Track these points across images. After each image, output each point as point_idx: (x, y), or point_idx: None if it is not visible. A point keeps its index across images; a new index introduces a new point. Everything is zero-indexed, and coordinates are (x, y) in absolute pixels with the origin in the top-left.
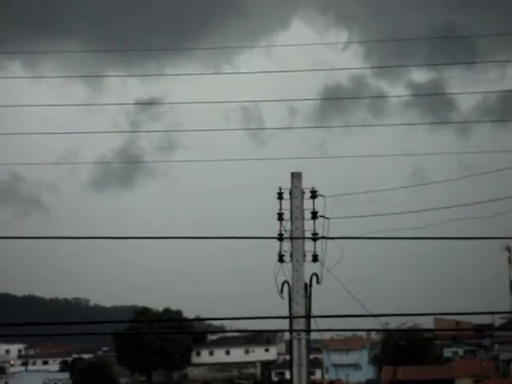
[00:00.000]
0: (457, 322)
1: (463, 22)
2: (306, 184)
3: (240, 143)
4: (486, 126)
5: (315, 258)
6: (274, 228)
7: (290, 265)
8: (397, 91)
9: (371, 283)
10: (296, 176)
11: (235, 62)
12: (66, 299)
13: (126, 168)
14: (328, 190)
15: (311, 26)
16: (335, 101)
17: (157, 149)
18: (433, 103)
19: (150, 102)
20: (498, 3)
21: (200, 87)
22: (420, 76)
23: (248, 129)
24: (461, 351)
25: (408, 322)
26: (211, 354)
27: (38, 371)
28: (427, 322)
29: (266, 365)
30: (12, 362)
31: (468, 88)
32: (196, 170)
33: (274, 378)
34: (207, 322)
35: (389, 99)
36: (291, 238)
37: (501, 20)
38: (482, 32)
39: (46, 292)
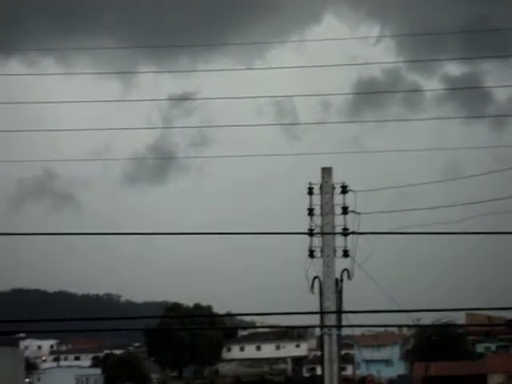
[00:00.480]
0: (489, 317)
1: (497, 15)
2: (338, 179)
3: (273, 138)
4: None
5: (346, 254)
6: (305, 223)
7: (320, 260)
8: (431, 85)
9: (403, 279)
10: (326, 171)
11: (267, 57)
12: (97, 295)
13: (159, 163)
14: (361, 184)
15: (343, 20)
16: (369, 95)
17: (190, 144)
18: (468, 97)
19: (183, 98)
20: None
21: (233, 82)
22: (454, 69)
23: (280, 124)
24: (493, 346)
25: (440, 318)
26: (242, 349)
27: (69, 367)
28: (459, 318)
29: (297, 361)
30: (44, 358)
31: (503, 81)
32: (229, 165)
33: (305, 374)
34: (238, 317)
35: (423, 93)
36: (322, 234)
37: None
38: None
39: (78, 288)
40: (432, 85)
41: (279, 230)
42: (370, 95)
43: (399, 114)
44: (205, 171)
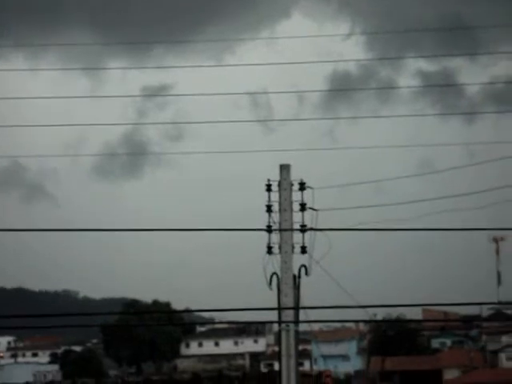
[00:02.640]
0: (445, 313)
1: (467, 13)
2: (307, 175)
3: (247, 131)
4: (492, 115)
5: (304, 250)
6: (264, 220)
7: (278, 257)
8: (405, 80)
9: (360, 275)
10: (285, 168)
11: (238, 52)
12: (55, 291)
13: (131, 158)
14: (330, 180)
15: (313, 15)
16: (344, 87)
17: (163, 138)
18: (441, 92)
19: (155, 94)
20: None
21: (206, 77)
22: (427, 66)
23: (252, 121)
24: (449, 342)
25: (397, 313)
26: (200, 345)
27: (27, 363)
28: (415, 313)
29: (255, 356)
30: (1, 355)
31: (474, 78)
32: (200, 160)
33: (263, 370)
34: (196, 313)
35: (397, 88)
36: (280, 230)
37: (505, 11)
38: (486, 23)
39: (35, 284)
40: (406, 80)
41: (240, 226)
42: (345, 87)
43: (373, 109)
44: (177, 166)
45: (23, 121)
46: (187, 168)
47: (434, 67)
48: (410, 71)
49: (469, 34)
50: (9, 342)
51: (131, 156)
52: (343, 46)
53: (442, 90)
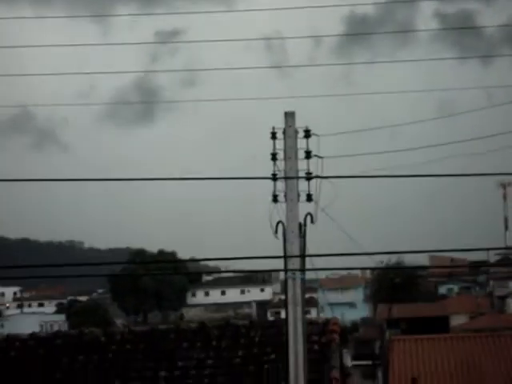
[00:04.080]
0: (452, 259)
1: None
2: (319, 121)
3: (262, 76)
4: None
5: (309, 198)
6: (270, 168)
7: (284, 205)
8: (421, 23)
9: (367, 222)
10: (289, 115)
11: None
12: (60, 242)
13: (143, 105)
14: (341, 127)
15: None
16: (359, 30)
17: (175, 84)
18: (457, 35)
19: (164, 41)
20: None
21: (217, 21)
22: (442, 8)
23: (266, 67)
24: (456, 288)
25: (403, 260)
26: (206, 294)
27: (33, 313)
28: (422, 260)
29: (262, 305)
30: (7, 305)
31: (491, 20)
32: (211, 106)
33: (270, 318)
34: (202, 262)
35: (414, 29)
36: (285, 178)
37: None
38: None
39: (40, 235)
40: (423, 23)
41: (248, 175)
42: (360, 31)
43: (390, 52)
44: (188, 113)
45: (32, 69)
46: (198, 115)
47: (451, 9)
48: (427, 13)
49: None
50: (15, 293)
51: (143, 103)
52: None
53: (459, 32)
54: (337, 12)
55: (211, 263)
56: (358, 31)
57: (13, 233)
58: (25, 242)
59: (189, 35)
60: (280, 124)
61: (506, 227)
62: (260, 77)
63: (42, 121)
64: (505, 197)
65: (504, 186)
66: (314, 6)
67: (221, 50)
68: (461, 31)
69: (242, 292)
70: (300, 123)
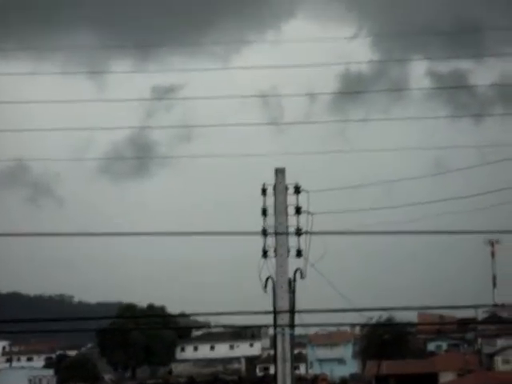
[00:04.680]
0: (440, 316)
1: (474, 15)
2: (310, 177)
3: (257, 132)
4: (501, 116)
5: (299, 253)
6: (260, 223)
7: (274, 260)
8: (414, 82)
9: (356, 278)
10: (280, 171)
11: (244, 53)
12: (50, 296)
13: (137, 160)
14: (334, 183)
15: (319, 16)
16: (354, 88)
17: (171, 140)
18: (450, 93)
19: (160, 97)
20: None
21: (213, 78)
22: (434, 67)
23: (260, 124)
24: (444, 345)
25: (392, 317)
26: (196, 349)
27: (22, 368)
28: (411, 317)
29: (251, 360)
30: None
31: (482, 79)
32: (206, 162)
33: (259, 374)
34: (192, 317)
35: (408, 87)
36: (275, 234)
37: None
38: (493, 25)
39: (30, 289)
40: (415, 81)
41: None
42: (356, 87)
43: (384, 110)
44: (183, 168)
45: (28, 125)
46: (192, 171)
47: (443, 68)
48: (419, 72)
49: (476, 36)
50: (4, 347)
51: (138, 158)
52: (350, 47)
53: (451, 91)
54: (332, 69)
55: (201, 318)
56: (353, 88)
57: (3, 286)
58: (15, 296)
59: (185, 91)
60: (272, 180)
61: (494, 284)
62: (256, 133)
63: (38, 175)
64: (493, 254)
65: (492, 243)
66: (310, 64)
67: (217, 106)
68: (454, 89)
69: (231, 347)
70: (294, 179)
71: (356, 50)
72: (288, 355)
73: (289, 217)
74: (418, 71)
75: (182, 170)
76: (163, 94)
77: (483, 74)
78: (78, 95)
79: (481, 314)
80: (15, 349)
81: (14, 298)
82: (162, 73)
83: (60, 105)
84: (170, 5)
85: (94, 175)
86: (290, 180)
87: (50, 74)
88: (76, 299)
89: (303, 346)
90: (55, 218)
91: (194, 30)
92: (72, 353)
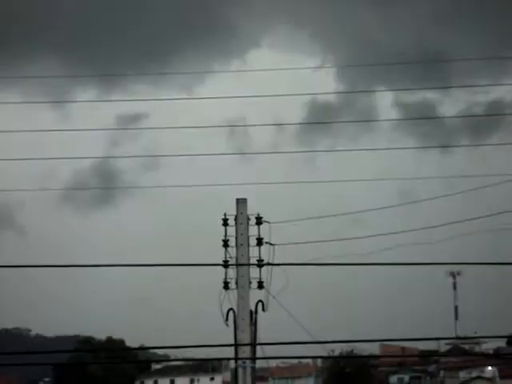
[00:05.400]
0: (403, 348)
1: (439, 47)
2: (271, 208)
3: (224, 160)
4: (467, 147)
5: (261, 285)
6: (221, 254)
7: (235, 292)
8: (380, 112)
9: (319, 310)
10: (241, 202)
11: (208, 82)
12: (5, 329)
13: (102, 190)
14: (295, 214)
15: (283, 46)
16: (320, 117)
17: (136, 168)
18: (416, 124)
19: (123, 127)
20: (477, 27)
21: (178, 107)
22: (400, 98)
23: (227, 153)
24: (407, 377)
25: (354, 349)
26: (156, 383)
27: None
28: (373, 349)
29: None
30: None
31: (448, 110)
32: (171, 192)
33: None
34: (151, 350)
35: (375, 117)
36: (236, 265)
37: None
38: (459, 56)
39: None
40: (382, 112)
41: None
42: (322, 117)
43: (351, 138)
44: (146, 197)
45: None
46: (156, 200)
47: (409, 99)
48: (386, 103)
49: (442, 66)
50: None
51: (100, 188)
52: (315, 77)
53: (418, 122)
54: (298, 99)
55: (160, 351)
56: (320, 118)
57: None
58: None
59: (150, 120)
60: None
61: (456, 317)
62: (222, 162)
63: None
64: (455, 286)
65: (454, 274)
66: (275, 94)
67: (182, 134)
68: (420, 120)
69: (192, 381)
70: (259, 210)
71: (321, 80)
72: None
73: (250, 248)
74: (385, 102)
75: (146, 200)
76: (128, 122)
77: (450, 104)
78: (42, 125)
79: (443, 346)
80: None
81: None
82: (127, 102)
83: (23, 134)
84: (134, 34)
85: (57, 205)
86: (254, 210)
87: (12, 103)
88: (33, 332)
89: (265, 379)
90: (16, 248)
91: (159, 59)
92: None
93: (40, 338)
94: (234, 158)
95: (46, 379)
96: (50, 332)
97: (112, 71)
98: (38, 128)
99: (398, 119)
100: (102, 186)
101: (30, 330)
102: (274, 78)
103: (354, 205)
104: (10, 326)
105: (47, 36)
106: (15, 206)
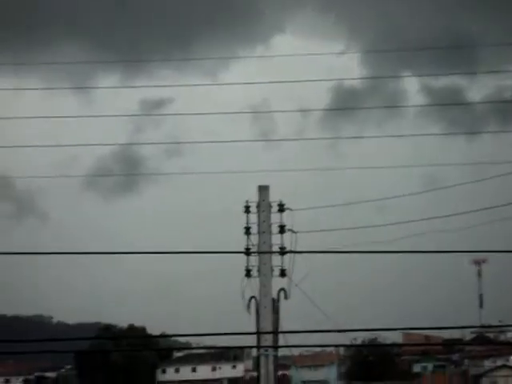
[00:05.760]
0: (426, 337)
1: (466, 31)
2: (296, 195)
3: (248, 147)
4: (495, 132)
5: (283, 273)
6: (243, 242)
7: (257, 280)
8: (407, 98)
9: (341, 298)
10: (263, 189)
11: (233, 67)
12: (27, 316)
13: (126, 176)
14: (325, 200)
15: (308, 31)
16: (346, 103)
17: (160, 154)
18: (443, 110)
19: (147, 113)
20: (506, 12)
21: (203, 91)
22: (427, 83)
23: (254, 140)
24: (430, 366)
25: (377, 337)
26: (177, 371)
27: None
28: (397, 337)
29: (233, 382)
30: None
31: (475, 96)
32: (194, 178)
33: None
34: (173, 338)
35: (402, 102)
36: (258, 253)
37: (506, 29)
38: (485, 41)
39: (8, 309)
40: (409, 97)
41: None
42: (347, 103)
43: (377, 124)
44: (169, 184)
45: (14, 141)
46: (180, 187)
47: (436, 84)
48: (412, 88)
49: (469, 51)
50: None
51: (126, 174)
52: (339, 62)
53: (445, 108)
54: (322, 84)
55: (182, 339)
56: (345, 104)
57: None
58: None
59: (174, 104)
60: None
61: (481, 305)
62: (245, 148)
63: (22, 191)
64: (479, 274)
65: (479, 263)
66: (300, 79)
67: (207, 120)
68: (447, 106)
69: (214, 369)
70: (282, 197)
71: (345, 65)
72: (272, 377)
73: (272, 235)
74: (411, 87)
75: (169, 186)
76: (152, 108)
77: (477, 89)
78: (65, 111)
79: (468, 335)
80: None
81: None
82: (151, 87)
83: (47, 120)
84: (158, 19)
85: (80, 191)
86: (277, 197)
87: (36, 89)
88: (55, 320)
89: (287, 367)
90: (39, 235)
91: (184, 45)
92: (51, 374)
93: (62, 326)
94: (257, 143)
95: (68, 366)
96: (71, 319)
97: (136, 57)
98: (61, 114)
99: (424, 105)
100: (125, 172)
101: (51, 318)
102: (298, 63)
103: (379, 192)
104: (32, 313)
105: (71, 22)
106: (38, 193)
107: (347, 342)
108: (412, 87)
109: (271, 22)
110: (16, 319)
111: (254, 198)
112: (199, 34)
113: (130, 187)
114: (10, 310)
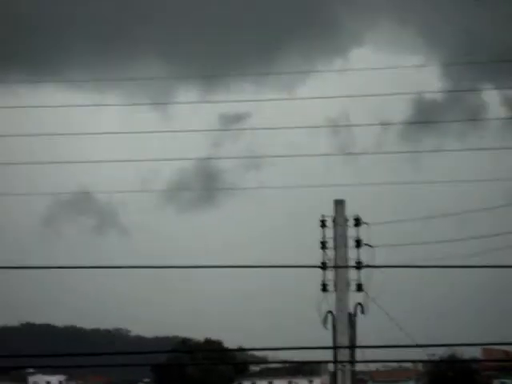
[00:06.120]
0: (506, 353)
1: None
2: (372, 209)
3: (328, 162)
4: None
5: (359, 288)
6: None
7: (333, 294)
8: (488, 111)
9: (419, 313)
10: (339, 203)
11: (310, 82)
12: (107, 330)
13: (205, 191)
14: (399, 215)
15: (386, 44)
16: (426, 117)
17: (237, 169)
18: None
19: (225, 128)
20: None
21: (281, 106)
22: (509, 95)
23: (331, 154)
24: (510, 382)
25: (455, 353)
26: None
27: None
28: (476, 353)
29: None
30: None
31: None
32: (273, 193)
33: None
34: (249, 352)
35: (482, 116)
36: (335, 267)
37: None
38: None
39: (87, 322)
40: (490, 110)
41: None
42: (427, 116)
43: (458, 138)
44: (249, 198)
45: (93, 156)
46: (258, 200)
47: None
48: (493, 101)
49: None
50: (60, 382)
51: (203, 190)
52: (419, 76)
53: None
54: (402, 98)
55: (258, 353)
56: (425, 117)
57: (59, 320)
58: (71, 330)
59: (253, 119)
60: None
61: None
62: (324, 162)
63: (103, 206)
64: None
65: None
66: (379, 93)
67: (284, 134)
68: None
69: (290, 383)
70: (359, 211)
71: (425, 78)
72: None
73: (349, 249)
74: (492, 100)
75: (246, 200)
76: (230, 123)
77: None
78: (145, 126)
79: None
80: (71, 383)
81: (71, 332)
82: (229, 103)
83: (126, 135)
84: (235, 34)
85: (159, 205)
86: (354, 211)
87: (116, 105)
88: (133, 333)
89: (364, 382)
90: (120, 249)
91: (261, 60)
92: None
93: (139, 339)
94: (336, 157)
95: (146, 380)
96: (148, 333)
97: (214, 71)
98: (141, 129)
99: (507, 118)
100: (203, 186)
101: (129, 331)
102: (377, 76)
103: (458, 206)
104: (110, 326)
105: (149, 37)
106: (119, 207)
107: (425, 358)
108: (494, 100)
109: (349, 34)
110: (95, 332)
111: (330, 212)
112: (277, 47)
113: (209, 201)
114: (89, 324)
